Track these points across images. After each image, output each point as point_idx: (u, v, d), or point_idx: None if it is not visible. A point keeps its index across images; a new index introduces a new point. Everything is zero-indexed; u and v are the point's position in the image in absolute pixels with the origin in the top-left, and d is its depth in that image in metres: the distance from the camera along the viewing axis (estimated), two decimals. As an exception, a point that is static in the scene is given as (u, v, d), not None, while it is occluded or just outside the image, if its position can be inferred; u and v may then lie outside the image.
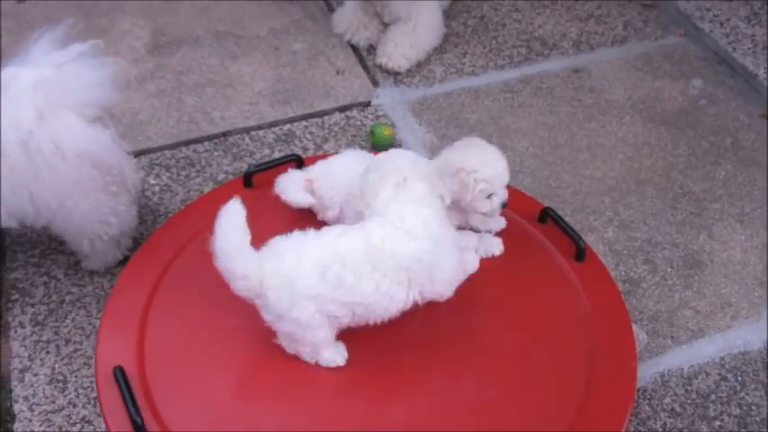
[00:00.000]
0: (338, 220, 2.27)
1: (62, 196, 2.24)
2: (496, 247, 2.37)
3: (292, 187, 2.30)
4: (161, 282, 2.21)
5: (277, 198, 2.31)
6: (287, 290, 1.84)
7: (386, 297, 1.87)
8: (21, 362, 2.28)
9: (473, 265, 2.13)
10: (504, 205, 2.29)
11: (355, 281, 1.83)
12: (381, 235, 1.85)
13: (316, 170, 2.33)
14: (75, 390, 2.23)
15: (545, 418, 1.98)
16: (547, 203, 2.53)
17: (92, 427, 2.15)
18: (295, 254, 1.86)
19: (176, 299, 2.20)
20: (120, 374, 1.94)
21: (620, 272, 2.67)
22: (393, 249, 1.84)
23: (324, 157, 2.42)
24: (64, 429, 2.14)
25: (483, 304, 2.21)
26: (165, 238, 2.36)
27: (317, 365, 2.02)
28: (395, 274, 1.85)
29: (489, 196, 2.24)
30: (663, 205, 2.91)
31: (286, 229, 1.96)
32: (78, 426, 2.15)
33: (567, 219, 2.46)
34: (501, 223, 2.38)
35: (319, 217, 2.31)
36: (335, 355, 2.01)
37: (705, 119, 3.27)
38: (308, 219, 2.29)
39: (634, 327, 2.35)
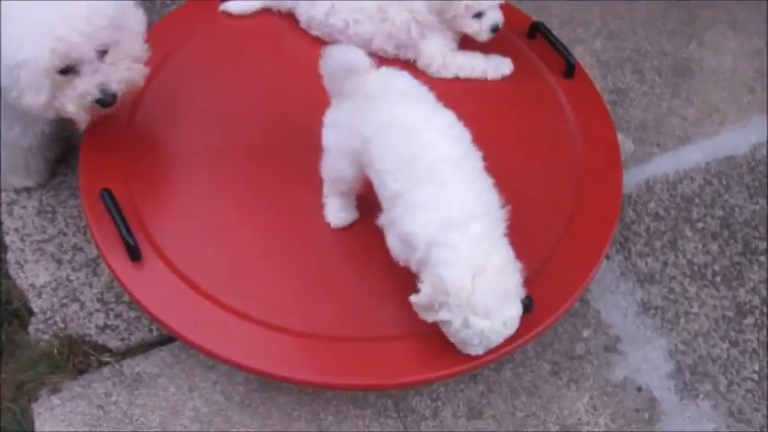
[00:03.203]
0: None
1: None
2: (506, 66, 2.34)
3: None
4: (141, 100, 2.18)
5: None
6: None
7: None
8: (7, 195, 2.27)
9: None
10: (496, 29, 2.23)
11: None
12: None
13: None
14: (65, 219, 2.24)
15: (534, 232, 2.01)
16: (534, 17, 2.47)
17: (84, 254, 2.17)
18: None
19: (159, 118, 2.18)
20: (107, 196, 1.95)
21: (607, 83, 2.64)
22: None
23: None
24: (56, 257, 2.16)
25: (472, 123, 2.20)
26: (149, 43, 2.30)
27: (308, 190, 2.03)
28: None
29: (477, 16, 2.18)
30: (653, 14, 2.84)
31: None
32: (70, 253, 2.17)
33: (554, 32, 2.41)
34: (505, 67, 2.35)
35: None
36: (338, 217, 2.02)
37: None
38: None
39: (620, 136, 2.35)
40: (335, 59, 1.87)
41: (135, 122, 2.14)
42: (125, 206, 1.95)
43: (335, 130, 1.87)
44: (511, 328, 1.70)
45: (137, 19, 1.96)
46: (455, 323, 1.66)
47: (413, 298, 1.70)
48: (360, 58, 1.84)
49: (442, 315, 1.67)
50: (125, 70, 1.90)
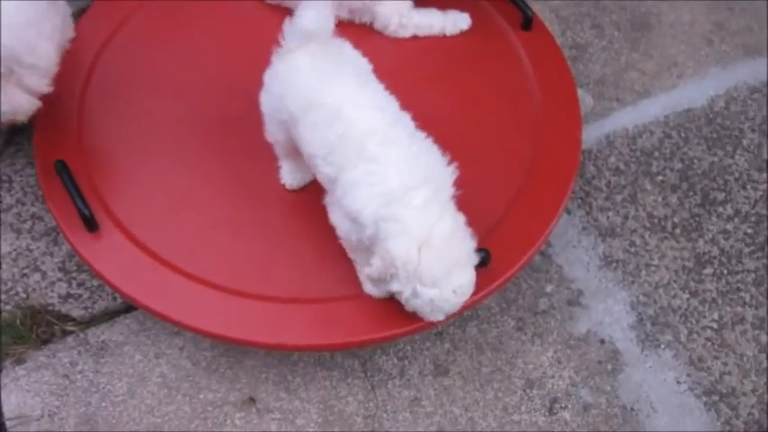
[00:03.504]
0: None
1: None
2: (464, 21, 2.33)
3: None
4: (94, 71, 2.15)
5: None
6: None
7: None
8: (-38, 165, 2.25)
9: None
10: None
11: None
12: None
13: None
14: (22, 189, 2.21)
15: (493, 187, 2.02)
16: (490, -31, 2.46)
17: (43, 223, 2.15)
18: None
19: (113, 88, 2.15)
20: (62, 168, 1.93)
21: (566, 38, 2.63)
22: None
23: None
24: (15, 227, 2.14)
25: (431, 79, 2.20)
26: (102, 12, 2.27)
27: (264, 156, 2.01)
28: None
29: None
30: (611, -33, 2.84)
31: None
32: (29, 223, 2.15)
33: (511, -13, 2.40)
34: (463, 22, 2.33)
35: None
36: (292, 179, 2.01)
37: None
38: None
39: (580, 91, 2.35)
40: (308, 19, 1.78)
41: (89, 93, 2.12)
42: (80, 177, 1.93)
43: (268, 96, 1.85)
44: (462, 296, 1.69)
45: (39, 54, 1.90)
46: (405, 293, 1.67)
47: (366, 270, 1.70)
48: (326, 22, 1.80)
49: (393, 286, 1.67)
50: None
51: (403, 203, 1.64)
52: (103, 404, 1.92)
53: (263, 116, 1.89)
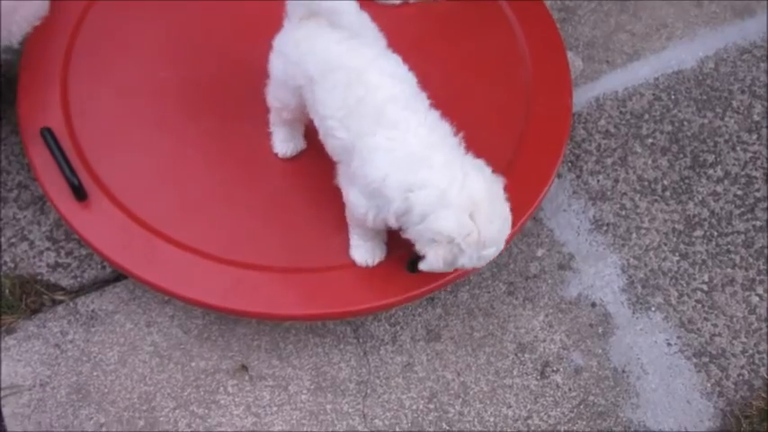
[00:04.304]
0: None
1: None
2: None
3: None
4: (77, 34, 2.11)
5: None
6: None
7: None
8: (-54, 134, 2.21)
9: None
10: None
11: None
12: None
13: None
14: (7, 157, 2.17)
15: (485, 152, 1.99)
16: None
17: (29, 192, 2.12)
18: None
19: (97, 52, 2.11)
20: (48, 135, 1.90)
21: (555, 1, 2.60)
22: None
23: None
24: (1, 196, 2.11)
25: (421, 46, 2.17)
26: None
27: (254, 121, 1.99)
28: None
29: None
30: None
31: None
32: (15, 192, 2.12)
33: (500, -51, 2.37)
34: None
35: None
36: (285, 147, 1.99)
37: None
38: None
39: (570, 54, 2.34)
40: None
41: (73, 58, 2.08)
42: (67, 145, 1.91)
43: (282, 60, 1.81)
44: (502, 247, 1.72)
45: None
46: (469, 262, 1.67)
47: (423, 266, 1.67)
48: None
49: (460, 262, 1.66)
50: None
51: (426, 165, 1.63)
52: (95, 373, 1.92)
53: (270, 81, 1.87)
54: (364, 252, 1.86)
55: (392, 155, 1.64)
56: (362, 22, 1.77)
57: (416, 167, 1.63)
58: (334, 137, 1.72)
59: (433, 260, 1.64)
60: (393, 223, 1.69)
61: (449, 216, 1.61)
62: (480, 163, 1.71)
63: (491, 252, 1.68)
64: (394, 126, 1.65)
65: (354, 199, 1.73)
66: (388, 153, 1.64)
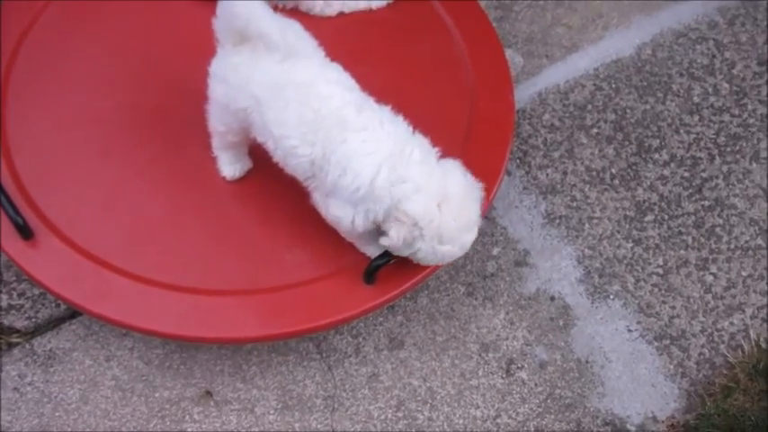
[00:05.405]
0: None
1: None
2: None
3: None
4: (12, 66, 2.08)
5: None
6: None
7: None
8: None
9: None
10: None
11: None
12: None
13: None
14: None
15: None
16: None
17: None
18: None
19: (32, 84, 2.08)
20: (-12, 176, 1.87)
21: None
22: None
23: None
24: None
25: (361, 54, 2.17)
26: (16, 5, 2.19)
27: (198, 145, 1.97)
28: None
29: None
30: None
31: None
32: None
33: (430, -50, 2.38)
34: None
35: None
36: (233, 169, 1.98)
37: None
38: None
39: (509, 51, 2.36)
40: (233, 7, 1.72)
41: (9, 91, 2.04)
42: (9, 183, 1.88)
43: (222, 85, 1.78)
44: (464, 251, 1.74)
45: None
46: (425, 250, 1.69)
47: (384, 241, 1.68)
48: (260, 7, 1.72)
49: (417, 246, 1.68)
50: None
51: (404, 162, 1.66)
52: (57, 413, 1.88)
53: (211, 106, 1.85)
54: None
55: (371, 158, 1.65)
56: (296, 35, 1.76)
57: (397, 166, 1.65)
58: (297, 155, 1.70)
59: (394, 237, 1.66)
60: (380, 219, 1.70)
61: (419, 200, 1.64)
62: (458, 163, 1.74)
63: (448, 250, 1.69)
64: (363, 128, 1.67)
65: (337, 211, 1.73)
66: (368, 156, 1.65)
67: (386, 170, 1.64)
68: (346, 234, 1.82)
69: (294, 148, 1.70)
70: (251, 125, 1.77)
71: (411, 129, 1.73)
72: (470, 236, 1.73)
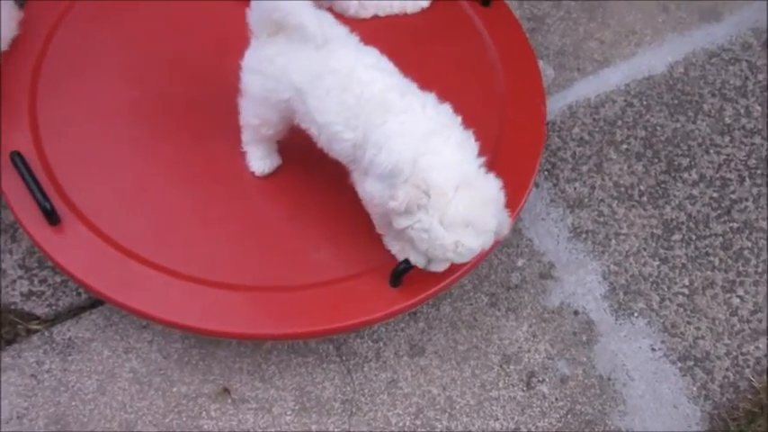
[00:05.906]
0: None
1: None
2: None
3: None
4: (44, 55, 2.08)
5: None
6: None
7: None
8: None
9: None
10: None
11: None
12: None
13: None
14: (-24, 185, 2.14)
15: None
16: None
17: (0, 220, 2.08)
18: None
19: (65, 73, 2.08)
20: (18, 160, 1.86)
21: (524, 11, 2.62)
22: None
23: None
24: (-29, 226, 2.07)
25: (393, 58, 2.16)
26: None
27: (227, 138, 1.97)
28: None
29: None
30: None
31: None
32: (-14, 220, 2.09)
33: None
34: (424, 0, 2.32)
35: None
36: (262, 165, 1.97)
37: None
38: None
39: (541, 63, 2.34)
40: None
41: (40, 79, 2.04)
42: (38, 169, 1.87)
43: (259, 77, 1.78)
44: (458, 256, 1.68)
45: None
46: (422, 224, 1.63)
47: (390, 203, 1.64)
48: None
49: (418, 217, 1.63)
50: None
51: (442, 138, 1.65)
52: (73, 403, 1.87)
53: (245, 100, 1.84)
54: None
55: (407, 136, 1.65)
56: (328, 23, 1.77)
57: (432, 138, 1.65)
58: (342, 140, 1.71)
59: (400, 197, 1.61)
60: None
61: (440, 173, 1.61)
62: (496, 182, 1.72)
63: (442, 237, 1.63)
64: (404, 111, 1.67)
65: (370, 188, 1.72)
66: (403, 136, 1.65)
67: (421, 148, 1.64)
68: (377, 219, 1.80)
69: (338, 134, 1.71)
70: (294, 113, 1.77)
71: (458, 118, 1.73)
72: (470, 237, 1.65)
